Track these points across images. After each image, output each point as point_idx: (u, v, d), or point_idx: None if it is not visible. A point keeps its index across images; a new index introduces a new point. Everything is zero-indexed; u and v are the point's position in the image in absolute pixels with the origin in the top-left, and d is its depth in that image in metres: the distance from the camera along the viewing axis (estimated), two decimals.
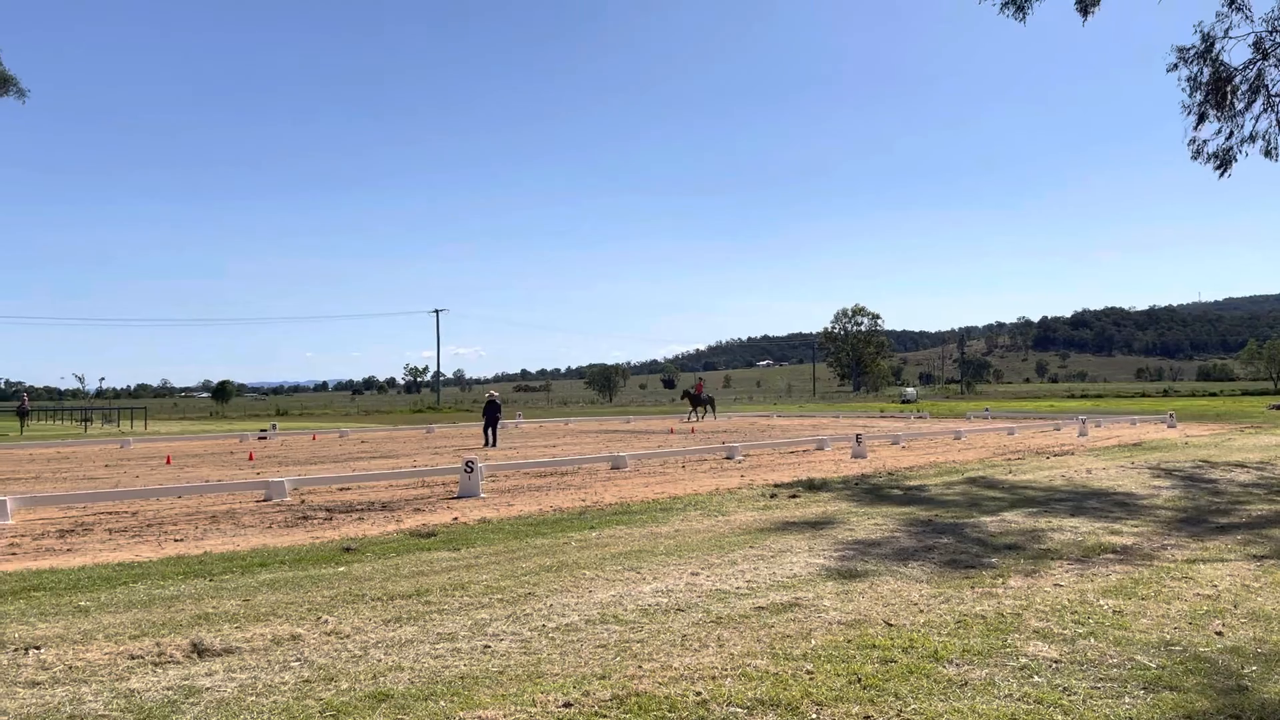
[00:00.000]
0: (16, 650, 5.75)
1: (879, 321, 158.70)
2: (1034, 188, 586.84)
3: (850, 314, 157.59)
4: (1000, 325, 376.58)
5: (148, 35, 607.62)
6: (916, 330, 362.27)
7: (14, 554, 9.75)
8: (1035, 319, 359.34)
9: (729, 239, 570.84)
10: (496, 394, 29.30)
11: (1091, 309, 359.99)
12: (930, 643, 5.64)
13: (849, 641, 5.70)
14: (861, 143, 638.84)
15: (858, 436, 22.18)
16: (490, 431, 27.82)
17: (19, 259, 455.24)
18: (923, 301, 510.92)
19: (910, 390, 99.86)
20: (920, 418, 46.51)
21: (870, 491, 14.10)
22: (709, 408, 44.91)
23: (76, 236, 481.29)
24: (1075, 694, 4.73)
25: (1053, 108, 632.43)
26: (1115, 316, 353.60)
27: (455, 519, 11.78)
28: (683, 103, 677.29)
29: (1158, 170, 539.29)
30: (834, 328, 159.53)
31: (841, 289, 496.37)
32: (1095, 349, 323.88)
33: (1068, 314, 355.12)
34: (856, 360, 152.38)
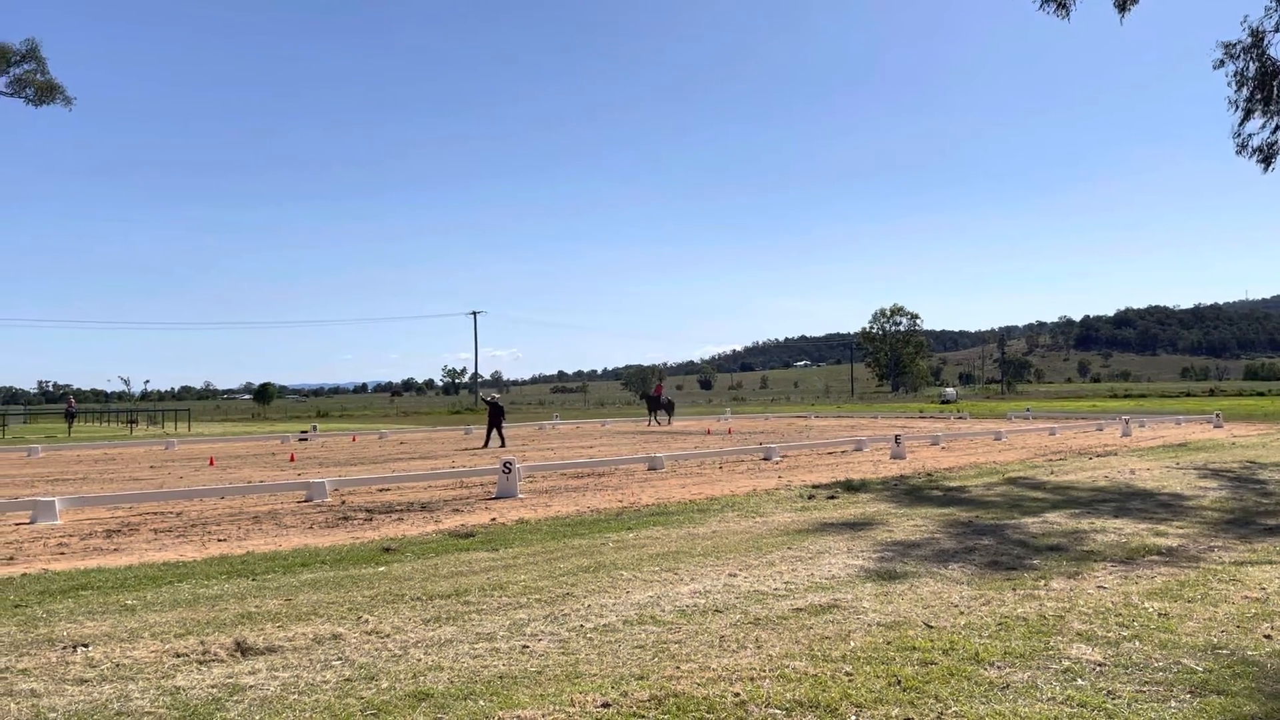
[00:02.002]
0: (65, 648, 5.86)
1: (918, 321, 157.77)
2: (1075, 185, 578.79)
3: (889, 314, 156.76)
4: (1041, 325, 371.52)
5: (186, 39, 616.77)
6: (956, 330, 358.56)
7: (62, 553, 9.94)
8: (1077, 318, 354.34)
9: (766, 239, 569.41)
10: (497, 396, 30.46)
11: (1135, 307, 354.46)
12: (971, 645, 5.58)
13: (888, 643, 5.66)
14: (899, 142, 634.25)
15: (896, 437, 22.02)
16: (496, 433, 28.55)
17: (64, 264, 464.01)
18: (962, 301, 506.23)
19: (950, 390, 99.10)
20: (960, 418, 46.09)
21: (910, 492, 13.99)
22: (667, 411, 44.30)
23: (119, 241, 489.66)
24: (1120, 698, 4.66)
25: (1095, 104, 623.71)
26: (1159, 315, 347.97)
27: (493, 519, 11.84)
28: (720, 103, 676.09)
29: (1202, 166, 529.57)
30: (872, 328, 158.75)
31: (880, 289, 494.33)
32: (1139, 348, 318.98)
33: (1110, 313, 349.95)
34: (895, 360, 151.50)
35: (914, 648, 5.54)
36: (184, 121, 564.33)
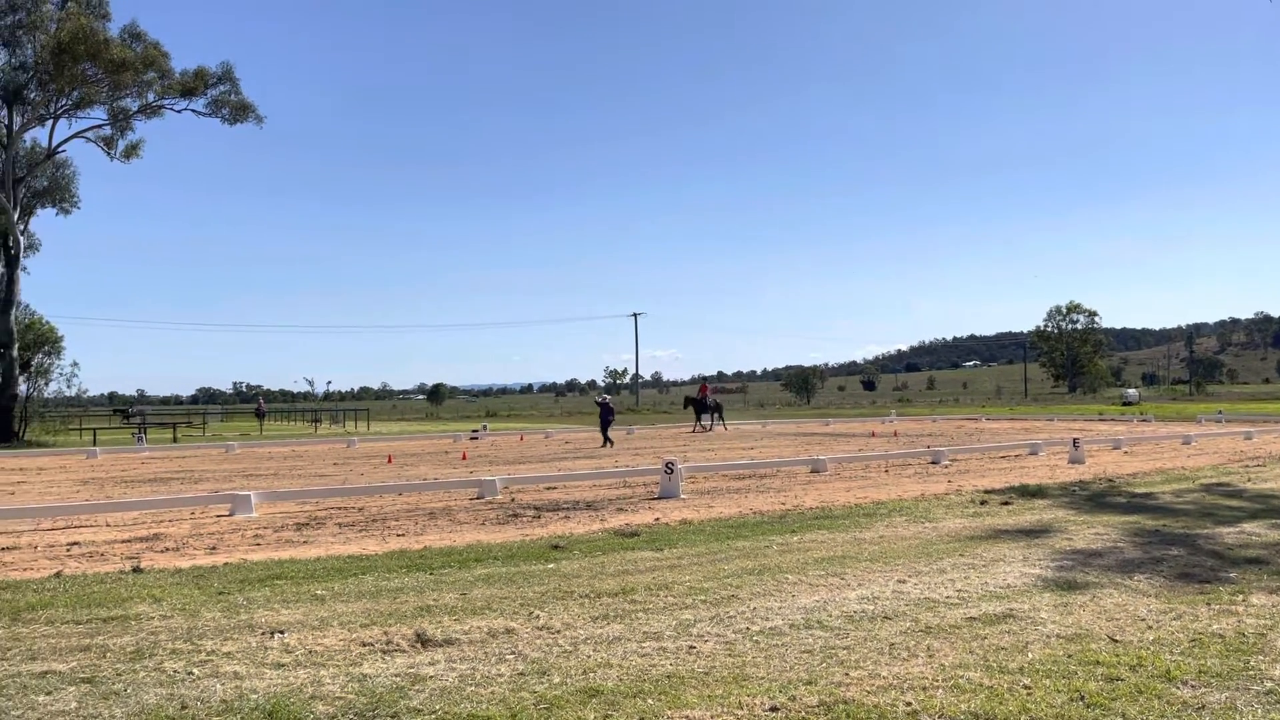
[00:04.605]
0: (263, 634, 6.27)
1: (1096, 318, 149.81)
2: (1270, 168, 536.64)
3: (1065, 311, 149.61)
4: (1235, 321, 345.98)
5: (348, 43, 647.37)
6: (1138, 327, 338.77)
7: (259, 545, 10.62)
8: (1276, 314, 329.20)
9: (931, 235, 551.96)
10: (609, 397, 31.42)
11: None
12: (1161, 661, 5.29)
13: (1069, 656, 5.43)
14: (1071, 129, 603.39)
15: (1075, 440, 21.03)
16: (604, 433, 29.32)
17: (256, 277, 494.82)
18: (1145, 296, 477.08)
19: (1131, 392, 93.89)
20: (1143, 421, 43.62)
21: (1090, 499, 13.34)
22: (716, 415, 41.33)
23: (301, 249, 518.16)
24: None
25: None
26: None
27: (657, 519, 11.95)
28: (882, 92, 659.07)
29: None
30: (1047, 326, 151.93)
31: (1054, 284, 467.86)
32: None
33: None
34: (1072, 360, 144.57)
35: (1097, 662, 5.29)
36: (352, 126, 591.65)
